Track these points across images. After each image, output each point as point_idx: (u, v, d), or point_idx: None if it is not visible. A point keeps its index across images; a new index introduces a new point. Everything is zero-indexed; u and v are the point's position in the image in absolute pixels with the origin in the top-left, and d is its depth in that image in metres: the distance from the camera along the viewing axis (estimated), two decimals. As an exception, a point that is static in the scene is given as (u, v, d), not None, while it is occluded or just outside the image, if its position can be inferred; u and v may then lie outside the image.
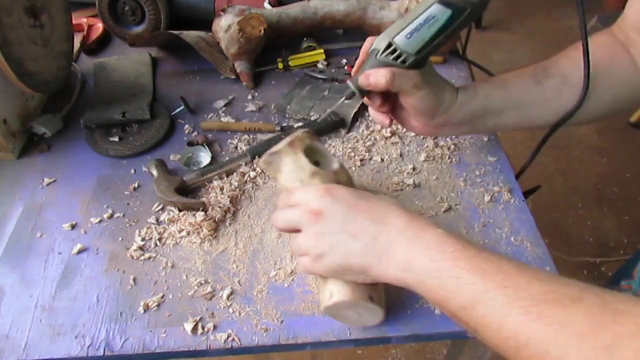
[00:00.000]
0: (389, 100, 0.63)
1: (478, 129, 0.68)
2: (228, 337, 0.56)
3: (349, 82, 0.61)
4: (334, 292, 0.52)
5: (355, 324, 0.56)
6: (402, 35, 0.56)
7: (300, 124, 0.82)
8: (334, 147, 0.78)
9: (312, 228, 0.51)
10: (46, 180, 0.75)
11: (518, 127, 0.68)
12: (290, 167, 0.56)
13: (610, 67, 0.55)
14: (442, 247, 0.45)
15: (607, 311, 0.36)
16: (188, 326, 0.56)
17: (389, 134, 0.79)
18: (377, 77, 0.58)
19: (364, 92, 0.61)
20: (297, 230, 0.53)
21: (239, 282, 0.61)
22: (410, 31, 0.56)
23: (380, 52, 0.58)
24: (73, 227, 0.68)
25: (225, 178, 0.73)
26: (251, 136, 0.81)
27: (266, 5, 1.00)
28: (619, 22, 0.66)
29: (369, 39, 0.62)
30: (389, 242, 0.48)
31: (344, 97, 0.62)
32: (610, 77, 0.61)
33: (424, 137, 0.78)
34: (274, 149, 0.57)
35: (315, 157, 0.57)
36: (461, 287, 0.43)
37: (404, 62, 0.58)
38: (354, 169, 0.74)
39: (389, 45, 0.57)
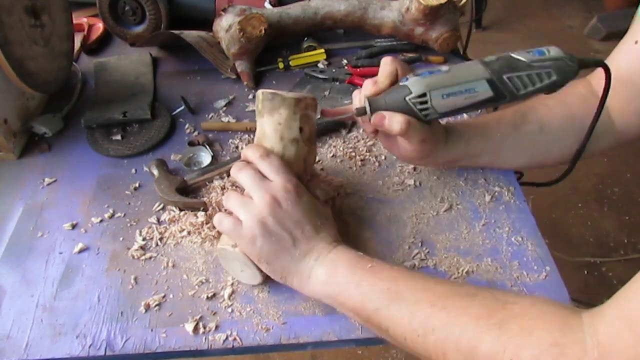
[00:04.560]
0: None
1: (450, 166, 0.72)
2: (229, 336, 0.56)
3: (366, 102, 0.58)
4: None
5: (232, 273, 0.60)
6: (440, 92, 0.55)
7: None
8: (335, 146, 0.78)
9: (265, 210, 0.54)
10: (47, 180, 0.75)
11: (490, 167, 0.72)
12: (282, 118, 0.57)
13: (586, 116, 0.58)
14: (362, 264, 0.53)
15: (498, 302, 0.45)
16: (189, 326, 0.56)
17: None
18: (392, 124, 0.57)
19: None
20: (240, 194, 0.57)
21: (239, 281, 0.61)
22: (449, 93, 0.55)
23: (411, 96, 0.56)
24: (74, 226, 0.68)
25: (226, 178, 0.73)
26: (252, 136, 0.81)
27: (267, 5, 1.00)
28: (599, 71, 0.66)
29: (389, 60, 0.59)
30: (318, 257, 0.54)
31: (355, 112, 0.60)
32: (585, 125, 0.64)
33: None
34: (282, 93, 0.57)
35: (302, 125, 0.58)
36: (377, 292, 0.50)
37: (425, 115, 0.57)
38: (355, 168, 0.74)
39: (424, 94, 0.55)
